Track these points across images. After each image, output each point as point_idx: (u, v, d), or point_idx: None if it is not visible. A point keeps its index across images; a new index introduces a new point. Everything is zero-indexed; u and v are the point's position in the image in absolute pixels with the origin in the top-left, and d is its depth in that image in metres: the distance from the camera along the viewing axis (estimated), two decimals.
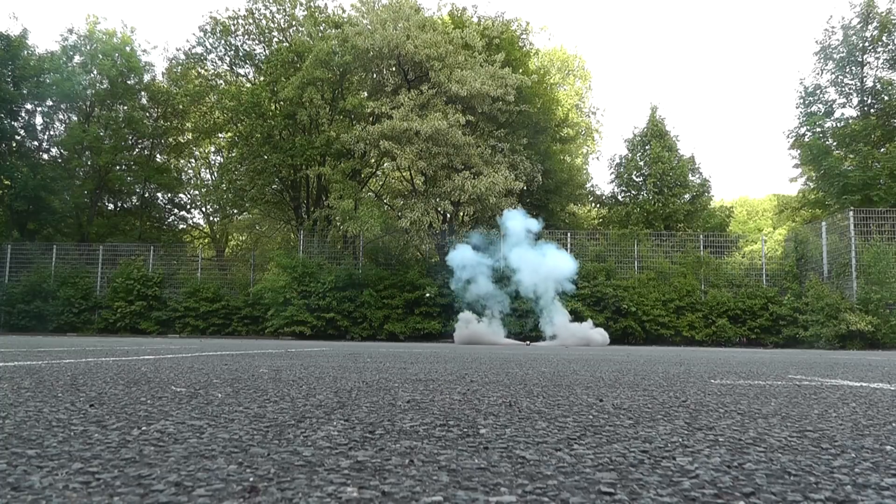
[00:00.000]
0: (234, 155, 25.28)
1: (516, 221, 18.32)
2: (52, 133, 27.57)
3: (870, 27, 22.94)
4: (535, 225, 18.32)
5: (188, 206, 32.39)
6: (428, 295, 18.39)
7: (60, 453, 1.18)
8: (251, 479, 0.99)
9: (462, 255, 17.83)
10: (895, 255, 16.27)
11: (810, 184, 24.88)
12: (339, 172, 21.25)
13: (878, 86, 23.03)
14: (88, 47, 27.36)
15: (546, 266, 17.41)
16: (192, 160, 33.02)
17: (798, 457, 1.26)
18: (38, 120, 26.94)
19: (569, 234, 20.21)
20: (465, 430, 1.53)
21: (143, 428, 1.48)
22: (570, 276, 17.79)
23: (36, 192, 23.93)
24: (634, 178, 25.11)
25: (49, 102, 26.62)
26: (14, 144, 25.82)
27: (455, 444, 1.33)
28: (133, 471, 1.04)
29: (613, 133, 70.89)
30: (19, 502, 0.86)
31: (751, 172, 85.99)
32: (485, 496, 0.92)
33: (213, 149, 32.04)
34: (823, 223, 18.30)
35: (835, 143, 23.28)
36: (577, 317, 17.23)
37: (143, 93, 28.41)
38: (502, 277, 18.18)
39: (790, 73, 71.62)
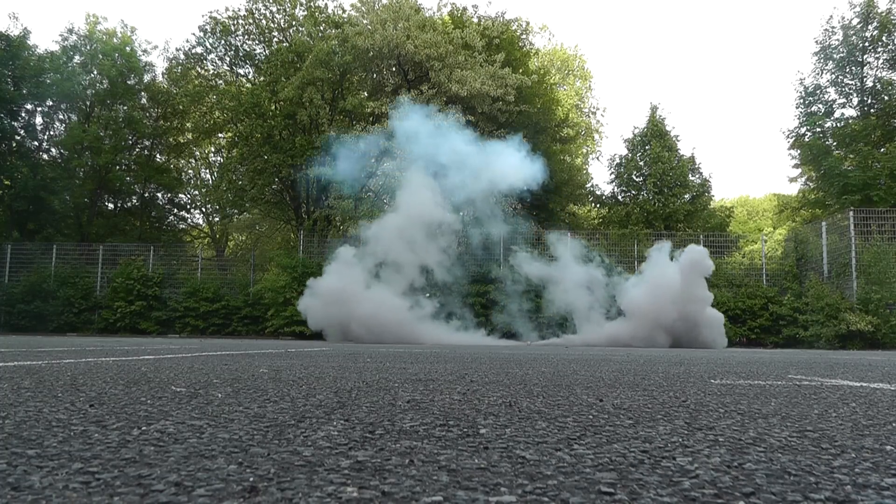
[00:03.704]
0: (234, 155, 25.30)
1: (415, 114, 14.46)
2: (52, 133, 27.60)
3: (870, 27, 22.93)
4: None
5: (188, 206, 32.43)
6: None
7: (60, 453, 1.18)
8: (251, 479, 0.99)
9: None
10: (895, 255, 16.26)
11: (810, 184, 24.89)
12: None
13: (878, 86, 23.03)
14: (88, 47, 27.37)
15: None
16: (192, 160, 33.04)
17: (798, 457, 1.26)
18: (38, 120, 26.97)
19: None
20: (465, 430, 1.53)
21: (143, 428, 1.48)
22: (523, 185, 14.76)
23: (36, 192, 23.93)
24: (634, 178, 25.08)
25: (49, 102, 26.63)
26: (14, 144, 25.82)
27: (455, 444, 1.33)
28: (133, 471, 1.04)
29: (614, 133, 70.89)
30: (19, 502, 0.86)
31: (751, 172, 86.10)
32: (485, 496, 0.92)
33: (212, 149, 32.06)
34: (823, 223, 18.29)
35: (835, 143, 23.27)
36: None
37: (143, 93, 28.43)
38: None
39: (790, 73, 71.64)
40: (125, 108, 27.62)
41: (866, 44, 23.15)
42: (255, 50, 27.26)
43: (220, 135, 28.97)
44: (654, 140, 24.72)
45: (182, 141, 30.18)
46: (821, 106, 24.13)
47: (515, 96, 20.77)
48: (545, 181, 22.86)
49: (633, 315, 14.87)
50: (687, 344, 14.43)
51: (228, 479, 1.00)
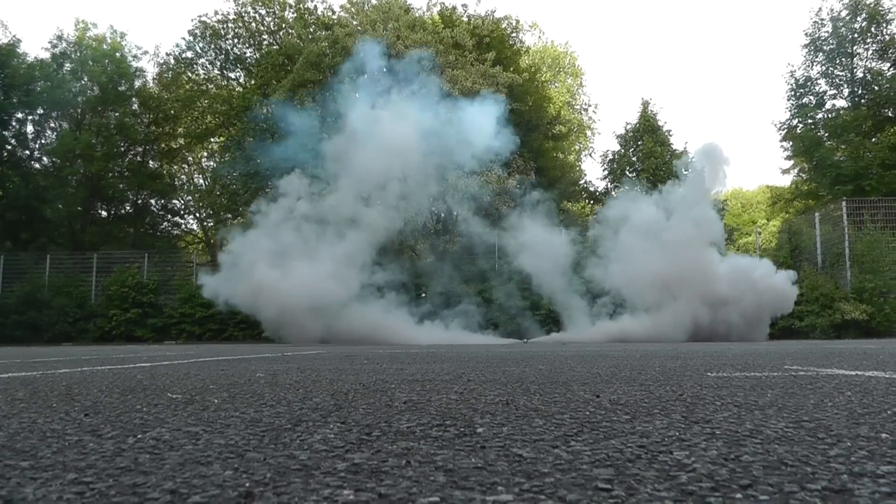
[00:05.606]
0: (226, 159, 25.22)
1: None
2: (43, 141, 27.47)
3: (858, 18, 23.06)
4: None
5: (182, 212, 32.31)
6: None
7: (55, 464, 1.18)
8: (247, 485, 0.99)
9: None
10: (888, 244, 16.37)
11: (803, 175, 25.03)
12: None
13: (868, 76, 23.19)
14: (78, 54, 27.24)
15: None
16: (185, 165, 32.94)
17: (795, 447, 1.26)
18: (29, 128, 26.87)
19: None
20: (462, 429, 1.52)
21: (139, 436, 1.47)
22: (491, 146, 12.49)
23: (28, 201, 23.80)
24: (627, 173, 25.16)
25: (40, 110, 26.51)
26: (5, 154, 25.68)
27: (452, 444, 1.33)
28: (128, 479, 1.04)
29: (606, 129, 71.06)
30: None
31: (743, 164, 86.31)
32: (482, 496, 0.92)
33: (205, 154, 31.97)
34: (817, 214, 18.37)
35: (826, 134, 23.41)
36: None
37: (134, 99, 28.30)
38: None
39: (780, 65, 71.96)
40: (116, 114, 27.49)
41: (856, 35, 23.28)
42: (245, 53, 27.24)
43: (212, 139, 28.87)
44: (646, 135, 24.80)
45: (174, 146, 30.07)
46: (812, 97, 24.28)
47: (507, 94, 20.78)
48: (538, 179, 22.94)
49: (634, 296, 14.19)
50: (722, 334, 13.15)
51: (224, 485, 0.99)
